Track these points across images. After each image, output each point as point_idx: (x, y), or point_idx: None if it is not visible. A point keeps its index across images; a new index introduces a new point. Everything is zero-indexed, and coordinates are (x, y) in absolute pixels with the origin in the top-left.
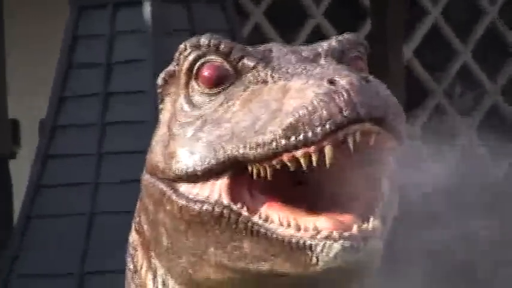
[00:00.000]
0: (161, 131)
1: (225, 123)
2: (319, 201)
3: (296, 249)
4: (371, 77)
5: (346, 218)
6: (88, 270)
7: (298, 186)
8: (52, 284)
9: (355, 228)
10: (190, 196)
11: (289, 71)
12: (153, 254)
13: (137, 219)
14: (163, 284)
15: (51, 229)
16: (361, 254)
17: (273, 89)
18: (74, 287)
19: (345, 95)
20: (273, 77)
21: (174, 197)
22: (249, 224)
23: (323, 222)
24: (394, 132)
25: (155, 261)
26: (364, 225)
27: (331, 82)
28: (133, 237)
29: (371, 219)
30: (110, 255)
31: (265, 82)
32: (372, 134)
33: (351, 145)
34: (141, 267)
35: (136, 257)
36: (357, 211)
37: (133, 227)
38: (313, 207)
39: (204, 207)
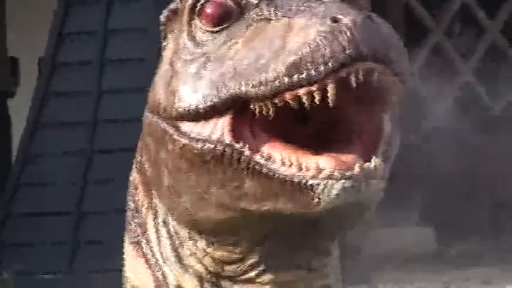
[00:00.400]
0: (164, 68)
1: (228, 61)
2: (322, 139)
3: (298, 189)
4: (374, 16)
5: (349, 157)
6: (85, 209)
7: (301, 125)
8: (50, 222)
9: (357, 168)
10: (192, 135)
11: (292, 8)
12: (154, 193)
13: (138, 157)
14: (164, 223)
15: (49, 168)
16: (363, 193)
17: (276, 26)
18: (71, 225)
19: (348, 33)
20: (276, 15)
21: (176, 135)
22: (251, 163)
23: (325, 162)
24: (397, 70)
25: (156, 201)
26: (366, 165)
27: (335, 20)
28: (134, 176)
29: (373, 158)
30: (108, 195)
31: (268, 20)
32: (375, 72)
33: (353, 83)
34: (142, 206)
35: (137, 196)
36: (359, 149)
37: (134, 165)
38: (316, 146)
39: (206, 146)
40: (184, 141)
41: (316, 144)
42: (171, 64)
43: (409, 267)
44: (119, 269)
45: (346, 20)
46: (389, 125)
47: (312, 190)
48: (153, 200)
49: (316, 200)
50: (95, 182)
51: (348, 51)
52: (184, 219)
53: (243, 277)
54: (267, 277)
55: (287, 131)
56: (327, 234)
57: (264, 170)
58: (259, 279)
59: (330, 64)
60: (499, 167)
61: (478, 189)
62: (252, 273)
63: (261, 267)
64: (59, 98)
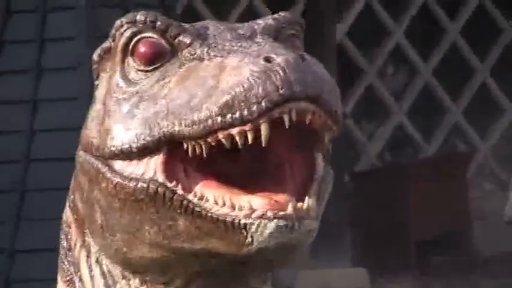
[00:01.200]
0: (96, 107)
1: (161, 100)
2: (255, 177)
3: (231, 228)
4: (307, 55)
5: (281, 197)
6: (17, 248)
7: (234, 163)
8: None
9: (290, 208)
10: (125, 174)
11: (225, 48)
12: (87, 231)
13: (71, 197)
14: (97, 262)
15: None
16: (296, 233)
17: (209, 66)
18: (3, 262)
19: (281, 72)
20: (209, 54)
21: (108, 174)
22: (184, 202)
23: (258, 201)
24: (329, 110)
25: (89, 239)
26: (299, 204)
27: (267, 60)
28: (67, 214)
29: (306, 198)
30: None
31: (201, 59)
32: (308, 112)
33: (286, 123)
34: (75, 245)
35: (70, 235)
36: (292, 189)
37: (67, 204)
38: (250, 184)
39: (139, 185)
40: (117, 179)
41: (250, 181)
42: (104, 103)
43: None
44: None
45: (279, 59)
46: (321, 164)
47: (246, 229)
48: (86, 239)
49: (249, 240)
50: (27, 219)
51: (281, 91)
52: (117, 257)
53: None
54: None
55: (220, 168)
56: (257, 272)
57: (197, 209)
58: None
59: (263, 104)
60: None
61: (404, 230)
62: None
63: None
64: None
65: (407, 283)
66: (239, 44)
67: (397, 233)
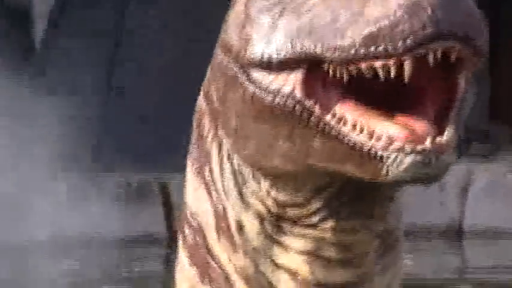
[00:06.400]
0: (238, 9)
1: (305, 14)
2: (394, 101)
3: (367, 158)
4: None
5: (420, 125)
6: None
7: (374, 85)
8: None
9: (428, 142)
10: (263, 84)
11: None
12: (220, 125)
13: (207, 84)
14: (229, 158)
15: None
16: (432, 168)
17: None
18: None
19: (429, 9)
20: None
21: (246, 82)
22: (321, 123)
23: (396, 131)
24: (476, 49)
25: (221, 133)
26: (438, 139)
27: None
28: (201, 102)
29: (446, 130)
30: None
31: None
32: (453, 51)
33: (431, 62)
34: (207, 135)
35: (203, 123)
36: (432, 115)
37: (202, 91)
38: (389, 107)
39: (276, 99)
40: (254, 90)
41: (389, 102)
42: (246, 6)
43: None
44: None
45: None
46: (463, 87)
47: (382, 161)
48: (219, 132)
49: (384, 171)
50: None
51: (427, 30)
52: (249, 161)
53: (305, 221)
54: (328, 224)
55: (359, 88)
56: (389, 190)
57: (333, 133)
58: (320, 225)
59: (409, 41)
60: None
61: None
62: (314, 219)
63: (324, 213)
64: None
65: None
66: None
67: None
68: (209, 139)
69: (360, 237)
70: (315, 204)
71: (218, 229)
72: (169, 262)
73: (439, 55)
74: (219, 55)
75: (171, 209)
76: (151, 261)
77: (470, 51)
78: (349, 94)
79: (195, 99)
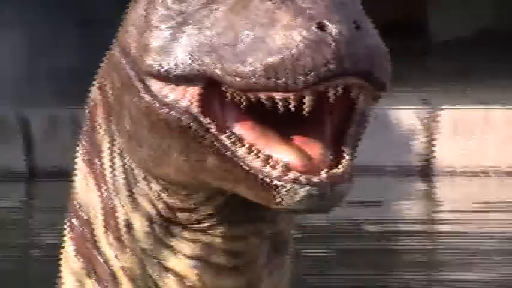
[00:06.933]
0: (139, 12)
1: (206, 30)
2: (291, 118)
3: (261, 185)
4: (362, 21)
5: (318, 151)
6: None
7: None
8: None
9: (324, 173)
10: (160, 96)
11: None
12: (113, 121)
13: (102, 75)
14: (121, 155)
15: None
16: (327, 200)
17: (260, 9)
18: None
19: (333, 45)
20: None
21: (142, 91)
22: (216, 143)
23: (292, 158)
24: (378, 84)
25: (114, 128)
26: (333, 170)
27: (321, 27)
28: (94, 93)
29: (343, 158)
30: None
31: None
32: (355, 87)
33: (331, 98)
34: (99, 127)
35: (96, 115)
36: (329, 138)
37: (96, 83)
38: (285, 125)
39: (172, 113)
40: (150, 101)
41: (287, 117)
42: (147, 11)
43: None
44: None
45: (332, 29)
46: (362, 103)
47: (276, 191)
48: (111, 127)
49: (278, 200)
50: None
51: (330, 66)
52: (141, 165)
53: (195, 226)
54: (218, 230)
55: (258, 104)
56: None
57: (228, 154)
58: (211, 231)
59: (309, 77)
60: None
61: None
62: (204, 224)
63: (214, 220)
64: None
65: None
66: None
67: None
68: (101, 133)
69: (249, 243)
70: (206, 211)
71: (106, 225)
72: (29, 198)
73: (340, 91)
74: (116, 54)
75: (31, 144)
76: (8, 198)
77: (372, 87)
78: (247, 112)
79: None
